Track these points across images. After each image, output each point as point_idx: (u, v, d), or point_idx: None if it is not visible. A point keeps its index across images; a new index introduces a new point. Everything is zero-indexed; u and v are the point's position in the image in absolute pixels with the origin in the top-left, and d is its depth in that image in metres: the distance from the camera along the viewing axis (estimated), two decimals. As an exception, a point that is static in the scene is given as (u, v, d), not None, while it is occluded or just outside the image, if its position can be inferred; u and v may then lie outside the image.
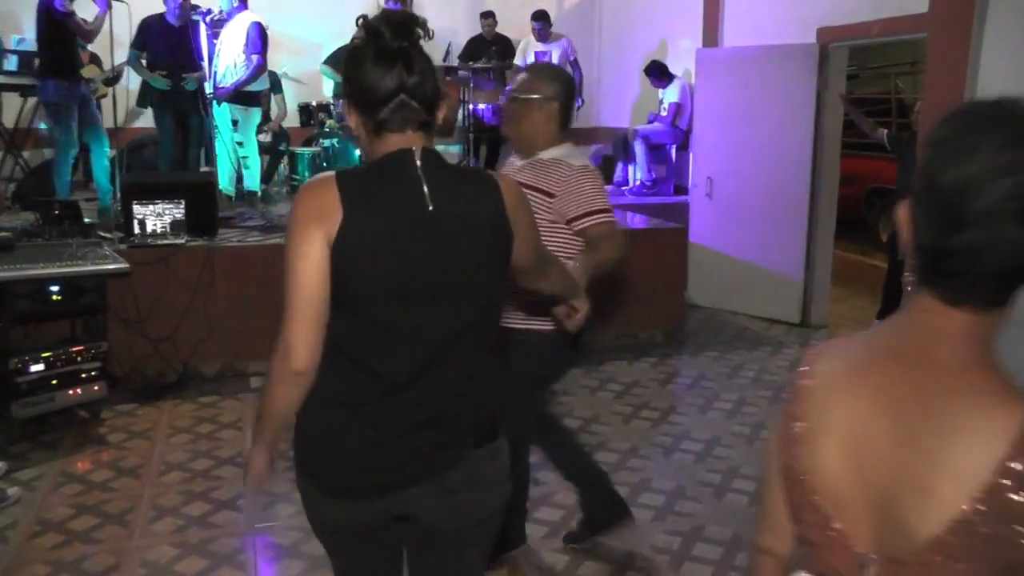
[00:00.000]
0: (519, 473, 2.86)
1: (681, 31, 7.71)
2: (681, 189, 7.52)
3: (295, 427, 1.54)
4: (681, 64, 7.55)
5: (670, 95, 7.50)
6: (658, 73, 7.48)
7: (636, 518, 3.22)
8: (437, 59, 6.78)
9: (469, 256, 1.53)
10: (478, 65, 7.85)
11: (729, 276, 6.45)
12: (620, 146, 7.91)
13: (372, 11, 1.69)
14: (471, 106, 7.77)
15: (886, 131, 5.98)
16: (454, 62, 8.04)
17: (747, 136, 6.30)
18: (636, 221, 6.20)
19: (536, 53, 7.78)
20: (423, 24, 1.52)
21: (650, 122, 7.74)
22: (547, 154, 2.56)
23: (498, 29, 8.06)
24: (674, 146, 7.67)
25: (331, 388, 1.51)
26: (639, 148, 7.49)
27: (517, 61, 7.86)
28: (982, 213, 0.90)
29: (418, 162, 1.51)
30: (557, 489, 3.50)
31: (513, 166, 2.63)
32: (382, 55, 1.48)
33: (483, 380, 1.61)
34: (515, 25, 8.15)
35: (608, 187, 7.69)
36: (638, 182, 7.64)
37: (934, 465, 0.95)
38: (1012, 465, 0.90)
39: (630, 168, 7.78)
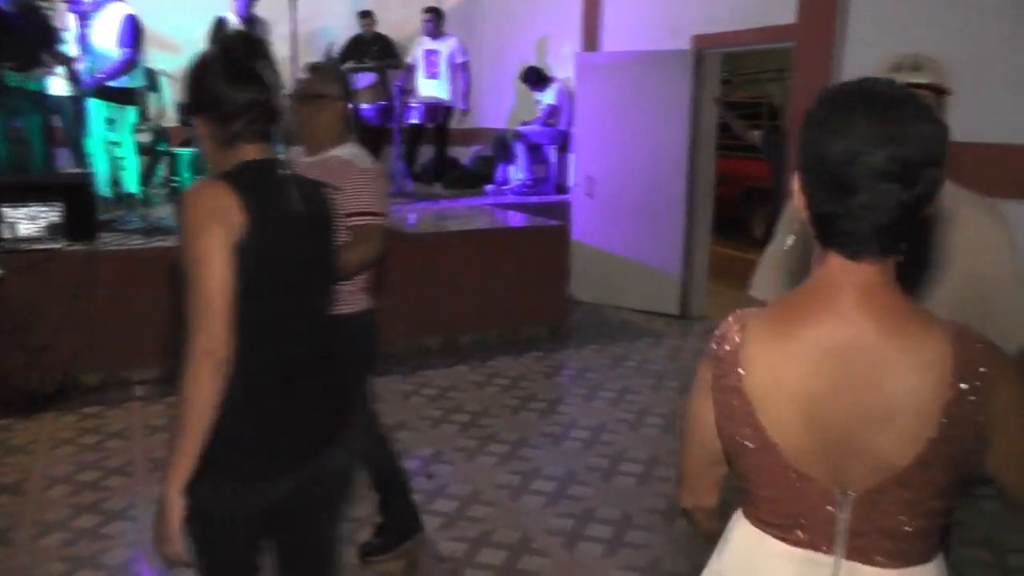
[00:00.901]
0: (388, 457, 2.95)
1: (561, 35, 7.94)
2: (561, 189, 7.75)
3: (216, 424, 1.59)
4: (561, 67, 7.79)
5: (547, 98, 7.71)
6: (535, 79, 7.67)
7: (528, 504, 3.38)
8: (317, 59, 6.73)
9: (327, 248, 1.83)
10: (359, 65, 7.84)
11: (611, 272, 6.71)
12: (500, 147, 8.08)
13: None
14: (350, 106, 7.72)
15: (759, 133, 6.37)
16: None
17: (626, 137, 6.57)
18: (518, 219, 6.38)
19: (425, 51, 7.84)
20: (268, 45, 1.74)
21: (521, 132, 7.96)
22: (336, 152, 2.67)
23: (378, 29, 8.08)
24: (553, 147, 7.89)
25: (246, 374, 1.60)
26: (519, 148, 7.68)
27: (409, 59, 7.92)
28: (868, 177, 1.06)
29: (279, 170, 1.73)
30: (450, 481, 3.62)
31: (302, 163, 2.67)
32: (239, 71, 1.65)
33: (340, 357, 1.88)
34: (395, 24, 8.21)
35: (489, 187, 7.91)
36: (518, 182, 7.82)
37: (892, 401, 1.10)
38: (962, 386, 1.09)
39: (510, 168, 7.95)
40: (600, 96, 6.73)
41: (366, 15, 8.00)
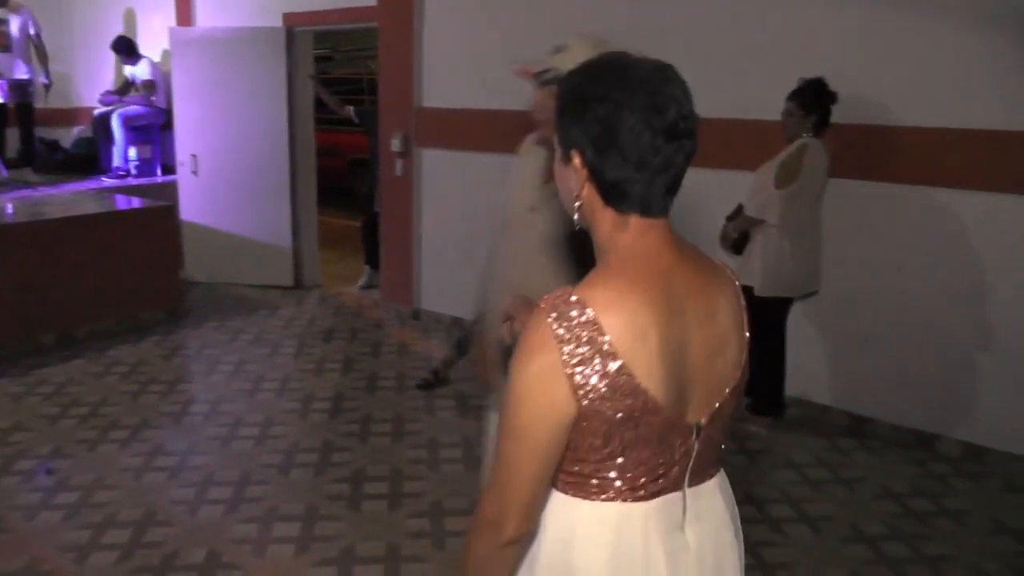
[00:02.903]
0: None
1: (152, 7, 7.80)
2: (169, 169, 7.72)
3: None
4: (154, 41, 7.67)
5: (141, 72, 7.57)
6: (126, 50, 7.50)
7: (152, 481, 3.67)
8: None
9: None
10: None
11: (223, 249, 6.92)
12: (101, 128, 7.79)
13: None
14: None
15: (352, 108, 6.92)
16: None
17: (227, 114, 6.74)
18: (124, 203, 6.33)
19: None
20: None
21: (104, 103, 7.73)
22: None
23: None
24: (158, 126, 7.78)
25: None
26: (118, 129, 7.49)
27: None
28: (663, 139, 1.15)
29: None
30: (72, 473, 3.77)
31: None
32: None
33: None
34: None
35: (104, 173, 7.61)
36: (121, 163, 7.62)
37: (724, 330, 1.26)
38: (743, 303, 1.31)
39: (114, 150, 7.72)
40: (198, 72, 6.78)
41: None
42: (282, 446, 4.09)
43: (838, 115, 3.92)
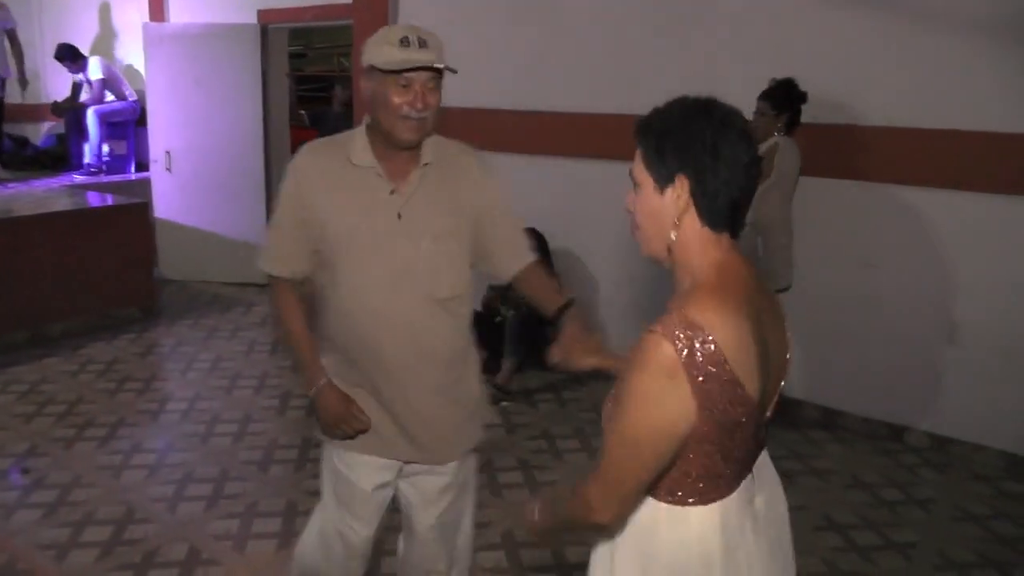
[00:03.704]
0: None
1: (126, 3, 7.74)
2: (143, 165, 7.66)
3: None
4: (128, 37, 7.61)
5: (93, 73, 7.47)
6: (71, 56, 7.40)
7: (131, 479, 3.67)
8: None
9: None
10: None
11: (197, 247, 6.88)
12: (74, 124, 7.72)
13: None
14: None
15: (305, 112, 6.90)
16: None
17: (201, 111, 6.70)
18: (97, 200, 6.28)
19: None
20: None
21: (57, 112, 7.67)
22: None
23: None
24: (132, 122, 7.72)
25: None
26: (93, 125, 7.42)
27: None
28: (752, 179, 1.33)
29: None
30: (49, 472, 3.76)
31: None
32: None
33: None
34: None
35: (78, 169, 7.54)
36: (94, 160, 7.56)
37: (783, 334, 1.42)
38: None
39: (86, 147, 7.65)
40: (172, 68, 6.73)
41: None
42: (261, 443, 4.10)
43: (809, 115, 4.01)
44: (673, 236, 1.34)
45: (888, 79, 4.02)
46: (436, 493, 2.24)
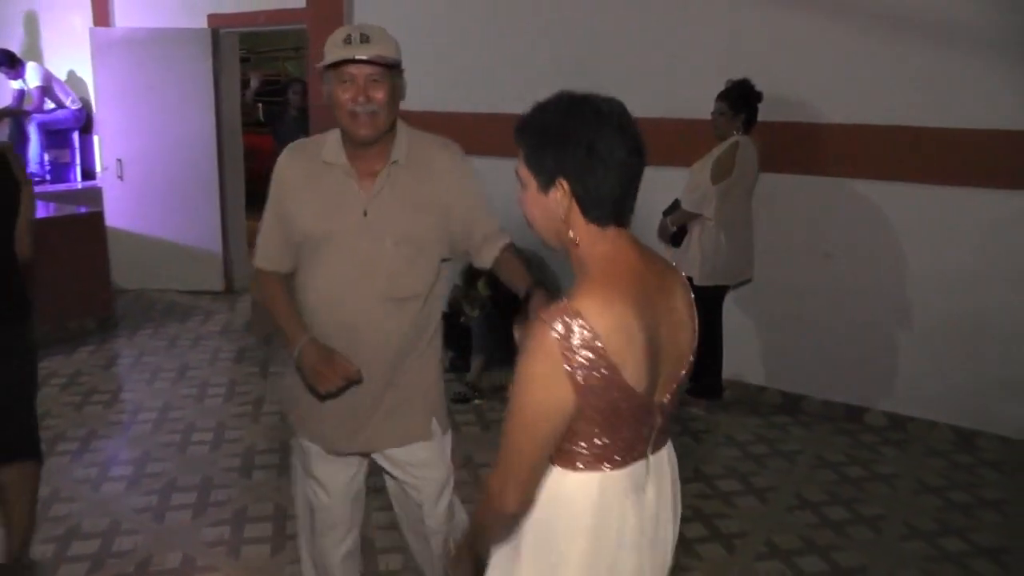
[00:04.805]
0: None
1: (63, 7, 7.56)
2: (89, 173, 7.49)
3: None
4: (71, 43, 7.43)
5: (31, 80, 7.29)
6: (8, 62, 7.21)
7: (111, 490, 3.64)
8: None
9: None
10: None
11: (152, 256, 6.77)
12: (16, 132, 7.50)
13: None
14: None
15: (261, 106, 6.82)
16: None
17: (152, 117, 6.58)
18: (46, 210, 6.12)
19: None
20: None
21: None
22: None
23: None
24: (76, 130, 7.55)
25: None
26: (34, 134, 7.24)
27: None
28: (624, 159, 1.33)
29: None
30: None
31: None
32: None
33: None
34: None
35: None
36: (36, 168, 7.37)
37: (679, 321, 1.45)
38: (693, 300, 1.50)
39: (28, 156, 7.45)
40: (121, 74, 6.60)
41: None
42: (239, 450, 4.10)
43: (765, 113, 4.19)
44: (571, 234, 1.39)
45: (841, 79, 4.22)
46: (405, 465, 2.32)
